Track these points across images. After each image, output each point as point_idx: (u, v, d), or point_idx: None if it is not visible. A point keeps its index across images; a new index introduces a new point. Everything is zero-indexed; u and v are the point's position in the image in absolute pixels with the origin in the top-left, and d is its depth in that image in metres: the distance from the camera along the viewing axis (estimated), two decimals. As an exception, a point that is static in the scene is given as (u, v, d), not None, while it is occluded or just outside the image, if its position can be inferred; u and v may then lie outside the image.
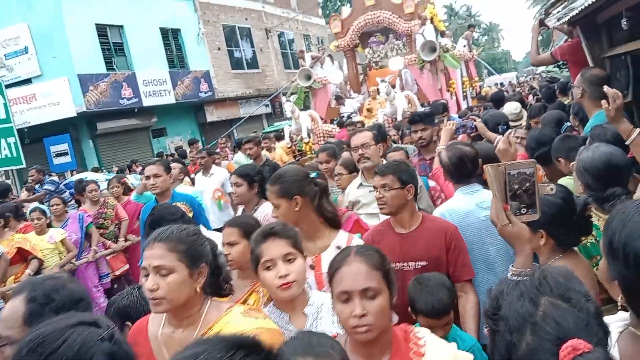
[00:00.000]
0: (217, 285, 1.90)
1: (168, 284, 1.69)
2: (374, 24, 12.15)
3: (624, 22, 3.69)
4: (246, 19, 23.99)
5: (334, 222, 2.68)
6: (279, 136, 11.86)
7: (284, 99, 12.28)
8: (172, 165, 4.95)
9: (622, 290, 1.30)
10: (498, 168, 1.56)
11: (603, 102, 2.57)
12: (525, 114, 6.58)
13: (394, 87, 10.82)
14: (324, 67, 12.53)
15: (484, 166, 1.62)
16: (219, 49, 21.74)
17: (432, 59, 10.68)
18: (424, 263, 2.62)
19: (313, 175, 2.70)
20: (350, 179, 4.15)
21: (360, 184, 3.79)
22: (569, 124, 4.61)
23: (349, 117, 11.57)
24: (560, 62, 5.62)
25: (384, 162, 3.58)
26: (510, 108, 6.49)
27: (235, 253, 2.49)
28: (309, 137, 10.51)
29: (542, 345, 1.01)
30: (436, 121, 5.10)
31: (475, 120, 4.80)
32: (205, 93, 20.36)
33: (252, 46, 24.29)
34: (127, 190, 7.49)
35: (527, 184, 1.55)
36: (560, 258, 2.01)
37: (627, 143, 2.52)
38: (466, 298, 2.60)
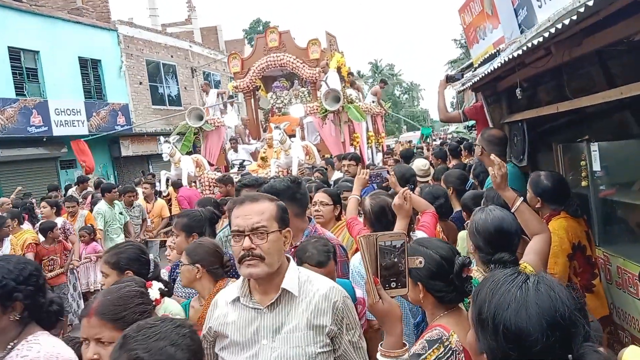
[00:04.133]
0: None
1: None
2: (276, 67, 11.29)
3: (518, 91, 3.89)
4: (172, 56, 23.84)
5: None
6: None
7: (162, 139, 10.44)
8: None
9: None
10: (369, 239, 1.50)
11: (490, 168, 2.66)
12: (432, 170, 6.82)
13: (293, 136, 9.85)
14: (228, 109, 11.57)
15: (357, 237, 1.56)
16: (140, 83, 21.34)
17: (335, 109, 9.67)
18: None
19: None
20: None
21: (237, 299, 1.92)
22: (472, 181, 4.91)
23: (241, 165, 10.54)
24: (470, 123, 5.91)
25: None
26: (419, 164, 6.64)
27: None
28: (192, 184, 9.23)
29: None
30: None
31: (389, 172, 4.63)
32: (122, 126, 19.77)
33: (177, 84, 24.08)
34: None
35: (397, 257, 1.50)
36: (445, 315, 1.97)
37: (512, 211, 2.60)
38: None
